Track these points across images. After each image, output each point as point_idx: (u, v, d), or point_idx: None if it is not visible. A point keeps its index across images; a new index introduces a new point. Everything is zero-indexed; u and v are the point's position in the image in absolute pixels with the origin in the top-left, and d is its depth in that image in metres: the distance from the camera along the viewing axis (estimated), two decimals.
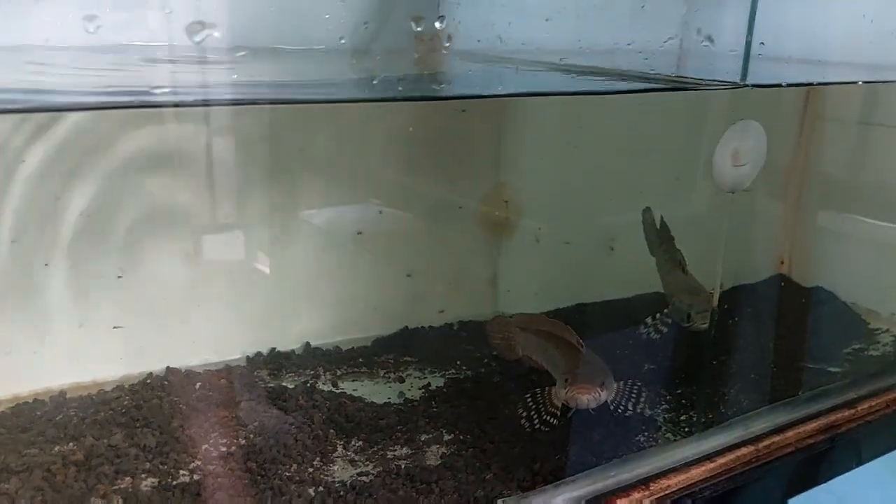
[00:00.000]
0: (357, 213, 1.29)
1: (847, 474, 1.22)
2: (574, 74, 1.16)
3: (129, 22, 0.84)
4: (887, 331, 1.44)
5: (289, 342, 1.30)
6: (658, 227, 1.28)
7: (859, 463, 1.23)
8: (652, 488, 1.02)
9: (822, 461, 1.17)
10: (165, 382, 1.20)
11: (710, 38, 0.99)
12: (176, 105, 0.95)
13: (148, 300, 1.20)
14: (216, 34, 0.73)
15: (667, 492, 1.02)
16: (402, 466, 1.01)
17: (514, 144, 1.33)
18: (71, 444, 1.05)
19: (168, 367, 1.22)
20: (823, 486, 1.22)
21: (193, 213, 1.20)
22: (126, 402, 1.14)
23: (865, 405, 1.22)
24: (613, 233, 1.43)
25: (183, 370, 1.22)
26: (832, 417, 1.19)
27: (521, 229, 1.39)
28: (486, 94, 1.11)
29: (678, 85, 1.03)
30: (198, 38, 0.71)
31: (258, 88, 0.88)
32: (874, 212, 1.51)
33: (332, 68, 1.01)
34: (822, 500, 1.61)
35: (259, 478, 0.97)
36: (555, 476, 0.99)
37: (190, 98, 0.85)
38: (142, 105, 0.90)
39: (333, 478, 0.99)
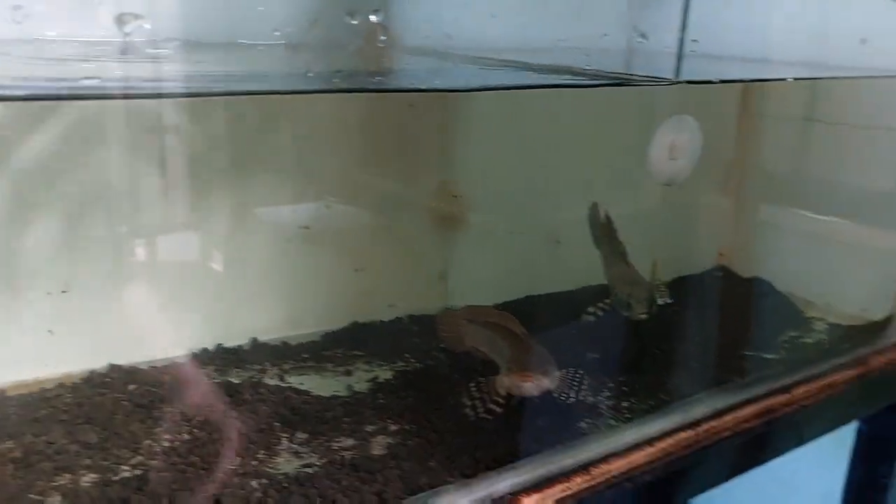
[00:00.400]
0: (304, 209, 1.29)
1: (785, 456, 1.26)
2: (519, 70, 1.18)
3: (56, 13, 0.83)
4: (822, 319, 1.48)
5: (236, 338, 1.29)
6: (602, 221, 1.31)
7: (796, 445, 1.27)
8: (593, 473, 1.04)
9: (759, 444, 1.21)
10: (108, 380, 1.19)
11: (643, 36, 1.01)
12: (101, 97, 0.94)
13: (90, 297, 1.19)
14: (146, 26, 0.73)
15: (608, 476, 1.05)
16: (347, 457, 1.01)
17: (462, 140, 1.35)
18: (9, 442, 1.03)
19: (111, 364, 1.20)
20: (764, 468, 1.26)
21: (135, 209, 1.19)
22: (68, 400, 1.13)
23: (801, 390, 1.27)
24: (560, 227, 1.46)
25: (126, 367, 1.21)
26: (769, 402, 1.23)
27: (471, 224, 1.41)
28: (424, 87, 1.12)
29: (615, 81, 1.05)
30: (127, 30, 0.71)
31: (188, 82, 0.87)
32: (809, 205, 1.57)
33: (267, 62, 1.01)
34: (761, 484, 1.66)
35: (202, 471, 0.97)
36: (497, 462, 1.00)
37: (116, 90, 0.84)
38: (71, 97, 0.89)
39: (277, 470, 0.99)
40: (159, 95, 0.96)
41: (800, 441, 1.28)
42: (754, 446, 1.20)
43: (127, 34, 0.71)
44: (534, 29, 1.18)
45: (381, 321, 1.40)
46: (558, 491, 1.00)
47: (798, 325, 1.46)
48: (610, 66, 1.14)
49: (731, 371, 1.26)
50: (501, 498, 0.96)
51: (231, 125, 1.22)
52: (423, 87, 1.16)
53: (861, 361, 1.36)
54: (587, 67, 1.05)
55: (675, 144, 0.97)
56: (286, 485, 0.96)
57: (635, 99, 1.20)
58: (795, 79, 1.37)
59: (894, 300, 1.42)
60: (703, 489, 1.16)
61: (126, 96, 1.00)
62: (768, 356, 1.32)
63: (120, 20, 0.70)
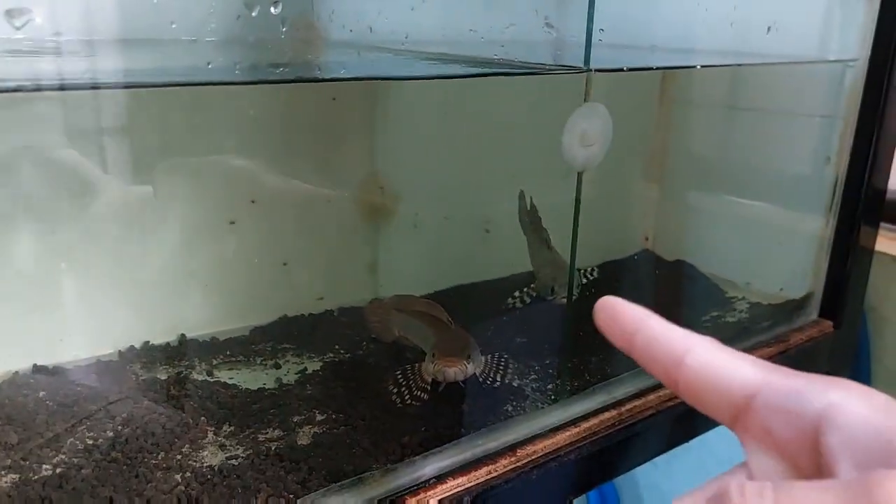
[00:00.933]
0: (229, 203, 1.29)
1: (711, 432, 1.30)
2: (438, 62, 1.19)
3: None
4: (743, 298, 1.53)
5: (163, 335, 1.28)
6: (528, 208, 1.34)
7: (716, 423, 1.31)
8: (519, 454, 1.06)
9: (683, 422, 1.24)
10: (31, 380, 1.17)
11: (549, 25, 1.03)
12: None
13: (10, 296, 1.17)
14: (38, 20, 0.72)
15: (533, 456, 1.07)
16: (273, 448, 1.02)
17: (386, 132, 1.36)
18: None
19: (35, 365, 1.19)
20: (703, 447, 1.30)
21: (55, 205, 1.18)
22: None
23: None
24: (488, 216, 1.48)
25: (51, 367, 1.19)
26: None
27: (399, 215, 1.42)
28: (341, 77, 1.12)
29: (528, 70, 1.07)
30: (18, 24, 0.70)
31: (106, 76, 0.87)
32: (730, 189, 1.61)
33: (188, 57, 1.01)
34: (702, 462, 1.71)
35: (124, 467, 0.96)
36: (423, 447, 1.02)
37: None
38: None
39: (202, 463, 0.99)
40: (70, 87, 0.95)
41: None
42: (679, 424, 1.24)
43: (18, 28, 0.70)
44: (451, 20, 1.20)
45: (311, 314, 1.40)
46: (484, 473, 1.02)
47: (721, 305, 1.50)
48: (523, 57, 1.16)
49: None
50: (427, 481, 0.98)
51: (150, 120, 1.20)
52: (342, 76, 1.16)
53: (782, 339, 1.41)
54: (501, 58, 1.06)
55: (587, 132, 0.99)
56: (209, 477, 0.96)
57: (549, 88, 1.23)
58: (703, 66, 1.42)
59: (811, 279, 1.48)
60: (629, 467, 1.19)
61: (38, 88, 0.99)
62: None
63: (9, 15, 0.69)
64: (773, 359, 1.37)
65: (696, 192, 1.65)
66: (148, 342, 1.27)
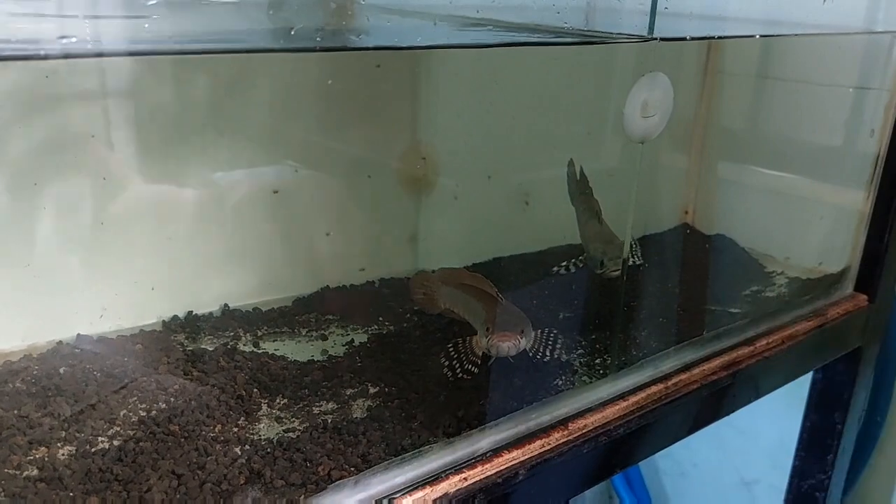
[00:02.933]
0: (273, 172, 1.27)
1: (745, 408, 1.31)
2: (488, 29, 1.16)
3: None
4: (781, 273, 1.53)
5: (206, 305, 1.27)
6: (578, 178, 1.32)
7: (758, 396, 1.32)
8: (570, 428, 1.07)
9: (725, 395, 1.25)
10: (77, 350, 1.16)
11: None
12: (67, 56, 0.90)
13: (53, 266, 1.15)
14: None
15: (584, 430, 1.08)
16: (329, 421, 1.02)
17: (430, 101, 1.33)
18: None
19: (79, 335, 1.18)
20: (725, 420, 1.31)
21: (101, 173, 1.16)
22: (35, 372, 1.10)
23: (763, 342, 1.31)
24: (528, 188, 1.46)
25: (95, 337, 1.19)
26: (734, 354, 1.27)
27: (439, 186, 1.40)
28: (402, 45, 1.10)
29: (589, 39, 1.05)
30: None
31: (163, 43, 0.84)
32: (769, 162, 1.60)
33: (218, 21, 0.98)
34: (719, 434, 1.72)
35: (183, 440, 0.96)
36: (479, 421, 1.02)
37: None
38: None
39: (259, 436, 0.99)
40: (118, 54, 0.92)
41: (762, 391, 1.33)
42: (721, 397, 1.25)
43: None
44: None
45: (353, 285, 1.40)
46: (538, 446, 1.03)
47: (759, 280, 1.50)
48: (578, 24, 1.14)
49: (698, 325, 1.30)
50: (485, 455, 0.99)
51: (195, 86, 1.18)
52: (391, 45, 1.13)
53: (819, 313, 1.41)
54: (561, 26, 1.04)
55: (648, 102, 0.97)
56: (269, 450, 0.96)
57: (606, 57, 1.21)
58: (762, 35, 1.39)
59: (849, 253, 1.47)
60: (674, 440, 1.20)
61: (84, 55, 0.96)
62: (732, 310, 1.36)
63: None
64: (810, 333, 1.38)
65: (737, 165, 1.64)
66: (191, 312, 1.26)
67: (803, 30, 1.41)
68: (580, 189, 1.30)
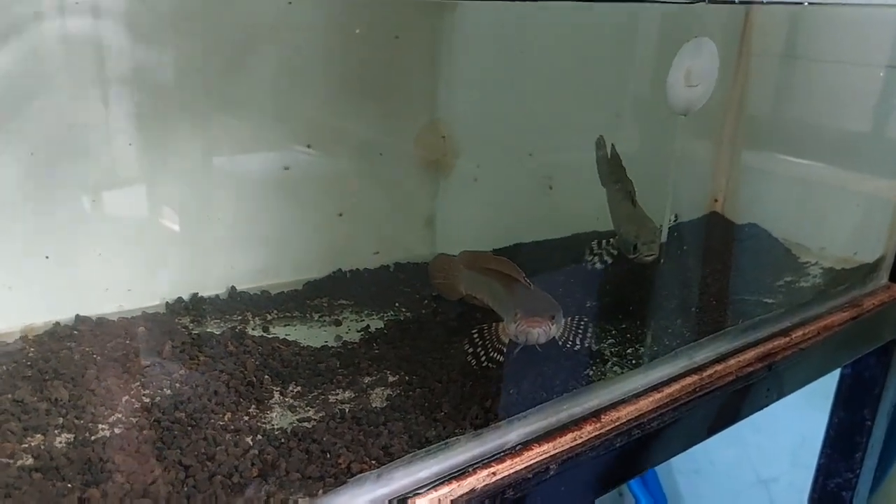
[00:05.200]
0: (284, 149, 1.20)
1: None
2: None
3: None
4: (815, 263, 1.47)
5: (212, 287, 1.21)
6: (609, 157, 1.25)
7: (792, 389, 1.26)
8: (603, 420, 1.00)
9: (760, 388, 1.19)
10: (75, 332, 1.09)
11: None
12: None
13: (51, 243, 1.08)
14: None
15: (617, 423, 1.01)
16: (347, 410, 0.95)
17: (450, 76, 1.27)
18: None
19: (77, 316, 1.11)
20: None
21: (99, 148, 1.09)
22: (31, 354, 1.03)
23: (799, 333, 1.25)
24: (552, 171, 1.40)
25: (95, 318, 1.11)
26: (769, 345, 1.21)
27: (459, 167, 1.33)
28: None
29: None
30: None
31: None
32: (801, 149, 1.54)
33: None
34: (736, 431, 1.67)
35: (190, 428, 0.89)
36: (507, 412, 0.95)
37: None
38: None
39: (272, 425, 0.92)
40: None
41: (797, 384, 1.27)
42: (756, 390, 1.19)
43: None
44: None
45: (366, 269, 1.33)
46: (569, 439, 0.96)
47: (793, 270, 1.45)
48: None
49: (732, 315, 1.24)
50: (514, 448, 0.92)
51: (200, 55, 1.11)
52: None
53: (855, 303, 1.35)
54: None
55: (692, 70, 0.90)
56: (283, 440, 0.89)
57: (643, 21, 1.13)
58: (809, 3, 1.31)
59: (885, 243, 1.41)
60: (708, 435, 1.14)
61: None
62: (766, 300, 1.30)
63: None
64: (846, 323, 1.32)
65: (768, 152, 1.57)
66: (196, 294, 1.19)
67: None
68: (612, 169, 1.23)
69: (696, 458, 2.10)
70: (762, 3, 1.38)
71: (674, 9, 0.94)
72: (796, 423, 1.85)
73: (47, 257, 1.08)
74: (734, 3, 1.03)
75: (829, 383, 1.57)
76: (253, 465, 0.85)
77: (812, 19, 1.45)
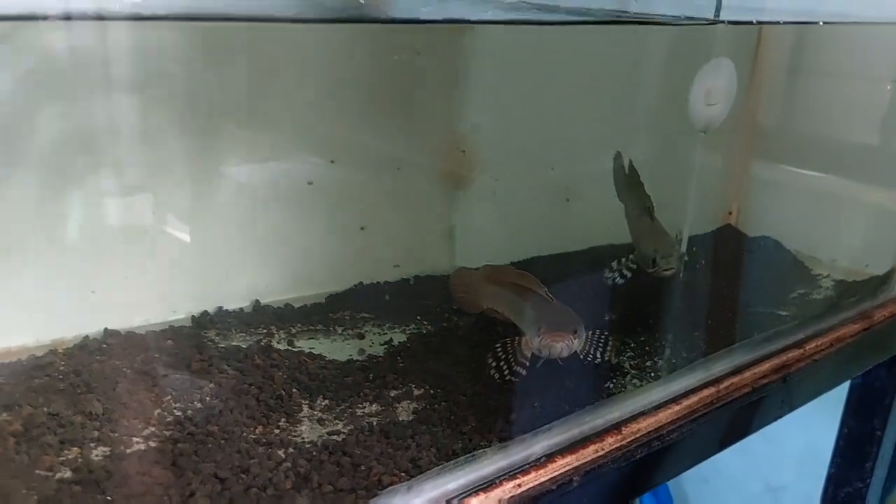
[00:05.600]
0: (307, 164, 1.22)
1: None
2: (534, 10, 1.10)
3: None
4: (828, 276, 1.50)
5: (236, 300, 1.23)
6: (626, 172, 1.27)
7: (806, 400, 1.28)
8: (624, 432, 1.02)
9: (775, 399, 1.21)
10: (104, 345, 1.11)
11: None
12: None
13: (80, 258, 1.10)
14: None
15: (638, 434, 1.03)
16: (375, 423, 0.97)
17: (470, 92, 1.29)
18: (5, 414, 0.95)
19: (106, 330, 1.13)
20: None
21: (127, 162, 1.11)
22: (62, 368, 1.05)
23: (812, 344, 1.27)
24: (569, 184, 1.42)
25: (123, 332, 1.13)
26: (784, 357, 1.23)
27: (478, 181, 1.35)
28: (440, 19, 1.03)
29: (649, 20, 1.00)
30: None
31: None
32: (813, 162, 1.56)
33: None
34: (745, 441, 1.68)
35: (223, 441, 0.91)
36: (532, 424, 0.97)
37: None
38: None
39: (303, 438, 0.94)
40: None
41: (811, 395, 1.29)
42: (771, 401, 1.21)
43: None
44: None
45: (387, 282, 1.35)
46: (591, 451, 0.98)
47: (806, 282, 1.47)
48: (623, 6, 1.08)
49: (746, 327, 1.26)
50: (538, 460, 0.94)
51: (226, 74, 1.13)
52: (430, 18, 1.07)
53: (866, 315, 1.37)
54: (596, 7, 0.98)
55: (712, 89, 0.93)
56: (315, 453, 0.91)
57: (661, 41, 1.15)
58: (825, 23, 1.33)
59: (894, 255, 1.44)
60: (725, 445, 1.15)
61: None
62: (781, 312, 1.32)
63: None
64: (857, 335, 1.34)
65: (781, 165, 1.59)
66: (221, 307, 1.22)
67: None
68: (630, 183, 1.26)
69: (705, 467, 2.11)
70: (779, 23, 1.41)
71: (692, 28, 0.96)
72: (804, 433, 1.87)
73: (76, 273, 1.10)
74: (752, 23, 1.05)
75: (836, 392, 1.59)
76: (286, 477, 0.87)
77: (822, 35, 1.47)
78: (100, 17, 0.89)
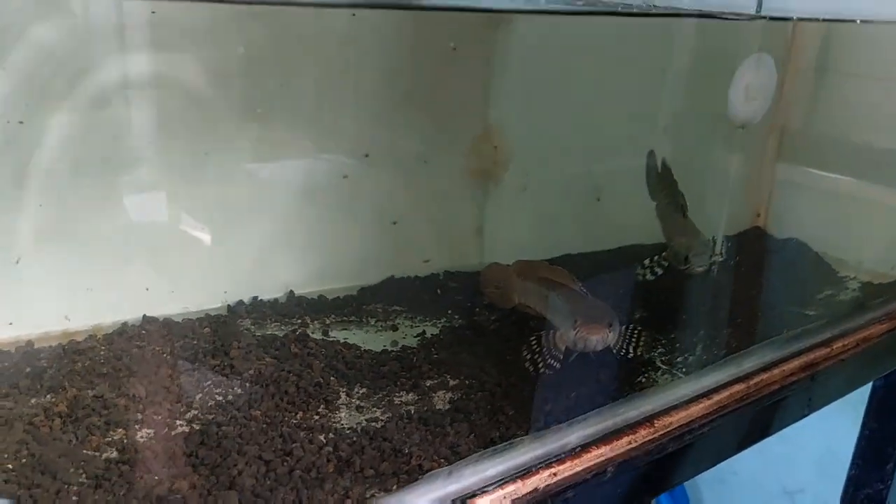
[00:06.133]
0: (343, 158, 1.24)
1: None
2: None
3: None
4: (854, 277, 1.51)
5: (272, 290, 1.25)
6: (659, 170, 1.28)
7: (831, 399, 1.29)
8: (656, 425, 1.03)
9: (802, 397, 1.22)
10: (143, 332, 1.13)
11: None
12: None
13: (121, 247, 1.12)
14: None
15: (670, 428, 1.04)
16: (413, 411, 0.98)
17: (503, 87, 1.30)
18: (49, 395, 0.97)
19: (145, 316, 1.15)
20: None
21: (166, 153, 1.13)
22: (103, 352, 1.07)
23: (839, 344, 1.28)
24: (601, 182, 1.43)
25: (161, 319, 1.15)
26: (811, 356, 1.24)
27: (508, 177, 1.37)
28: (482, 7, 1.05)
29: (692, 13, 1.01)
30: None
31: None
32: (845, 166, 1.57)
33: None
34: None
35: (265, 425, 0.93)
36: (566, 415, 0.99)
37: None
38: None
39: (342, 424, 0.96)
40: None
41: (837, 394, 1.30)
42: (799, 398, 1.22)
43: None
44: None
45: (418, 276, 1.37)
46: (624, 443, 1.00)
47: (833, 283, 1.48)
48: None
49: (775, 326, 1.27)
50: (573, 450, 0.95)
51: (264, 66, 1.15)
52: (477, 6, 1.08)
53: (892, 316, 1.38)
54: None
55: (751, 85, 0.94)
56: (355, 438, 0.93)
57: (698, 35, 1.16)
58: (862, 21, 1.34)
59: None
60: (754, 441, 1.17)
61: None
62: (808, 312, 1.33)
63: None
64: (883, 336, 1.36)
65: (810, 168, 1.60)
66: (257, 297, 1.23)
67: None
68: (663, 181, 1.27)
69: (721, 468, 2.11)
70: (818, 20, 1.42)
71: (732, 22, 0.98)
72: (823, 435, 1.87)
73: (115, 260, 1.12)
74: (793, 19, 1.06)
75: (855, 396, 1.60)
76: (328, 461, 0.88)
77: (853, 35, 1.48)
78: None
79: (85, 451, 0.88)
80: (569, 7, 0.98)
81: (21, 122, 0.99)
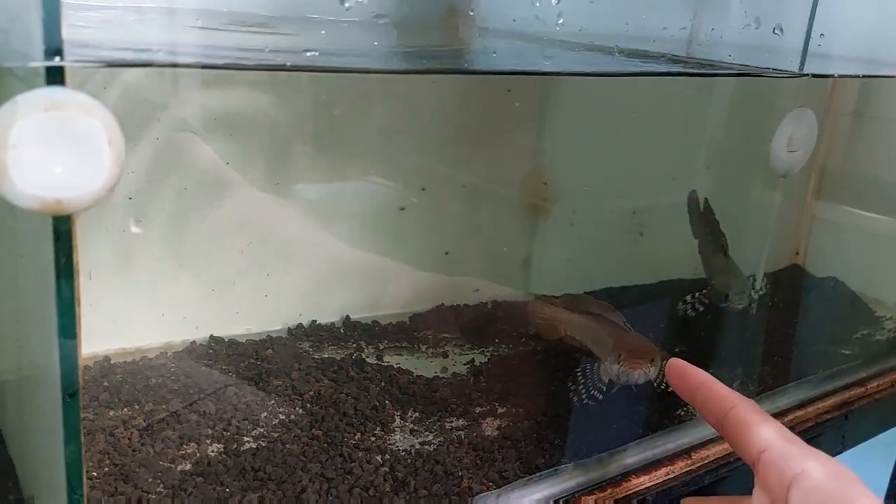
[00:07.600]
0: (401, 190, 1.31)
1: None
2: (620, 56, 1.17)
3: None
4: (891, 318, 1.53)
5: (328, 315, 1.32)
6: (702, 210, 1.34)
7: (864, 438, 1.32)
8: (693, 457, 1.08)
9: (836, 435, 1.25)
10: (210, 350, 1.21)
11: (780, 29, 1.02)
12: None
13: (192, 269, 1.20)
14: None
15: (707, 460, 1.09)
16: (463, 436, 1.04)
17: (555, 127, 1.36)
18: (126, 408, 1.05)
19: (212, 336, 1.23)
20: None
21: (237, 182, 1.21)
22: (174, 369, 1.15)
23: (874, 383, 1.32)
24: (643, 219, 1.48)
25: (227, 339, 1.23)
26: (846, 394, 1.28)
27: (557, 212, 1.43)
28: (520, 70, 1.12)
29: (739, 71, 1.07)
30: None
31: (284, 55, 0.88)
32: (880, 206, 1.60)
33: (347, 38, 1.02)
34: None
35: (327, 445, 1.00)
36: (608, 445, 1.04)
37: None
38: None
39: (397, 446, 1.02)
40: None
41: (870, 434, 1.33)
42: (832, 437, 1.25)
43: None
44: (639, 17, 1.18)
45: (466, 304, 1.43)
46: (663, 473, 1.04)
47: (870, 323, 1.51)
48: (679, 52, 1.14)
49: (812, 364, 1.31)
50: (614, 478, 1.01)
51: (332, 104, 1.23)
52: (531, 70, 1.15)
53: None
54: (687, 57, 1.06)
55: (793, 137, 1.00)
56: (409, 460, 0.99)
57: (738, 90, 1.22)
58: None
59: None
60: None
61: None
62: (844, 351, 1.37)
63: None
64: None
65: (849, 208, 1.64)
66: (315, 321, 1.31)
67: None
68: (705, 221, 1.32)
69: None
70: (859, 77, 1.46)
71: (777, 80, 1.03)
72: (855, 473, 1.87)
73: (187, 282, 1.20)
74: (834, 77, 1.11)
75: (889, 433, 1.61)
76: (385, 480, 0.95)
77: (889, 81, 1.52)
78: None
79: (161, 463, 0.95)
80: (621, 70, 1.04)
81: None
